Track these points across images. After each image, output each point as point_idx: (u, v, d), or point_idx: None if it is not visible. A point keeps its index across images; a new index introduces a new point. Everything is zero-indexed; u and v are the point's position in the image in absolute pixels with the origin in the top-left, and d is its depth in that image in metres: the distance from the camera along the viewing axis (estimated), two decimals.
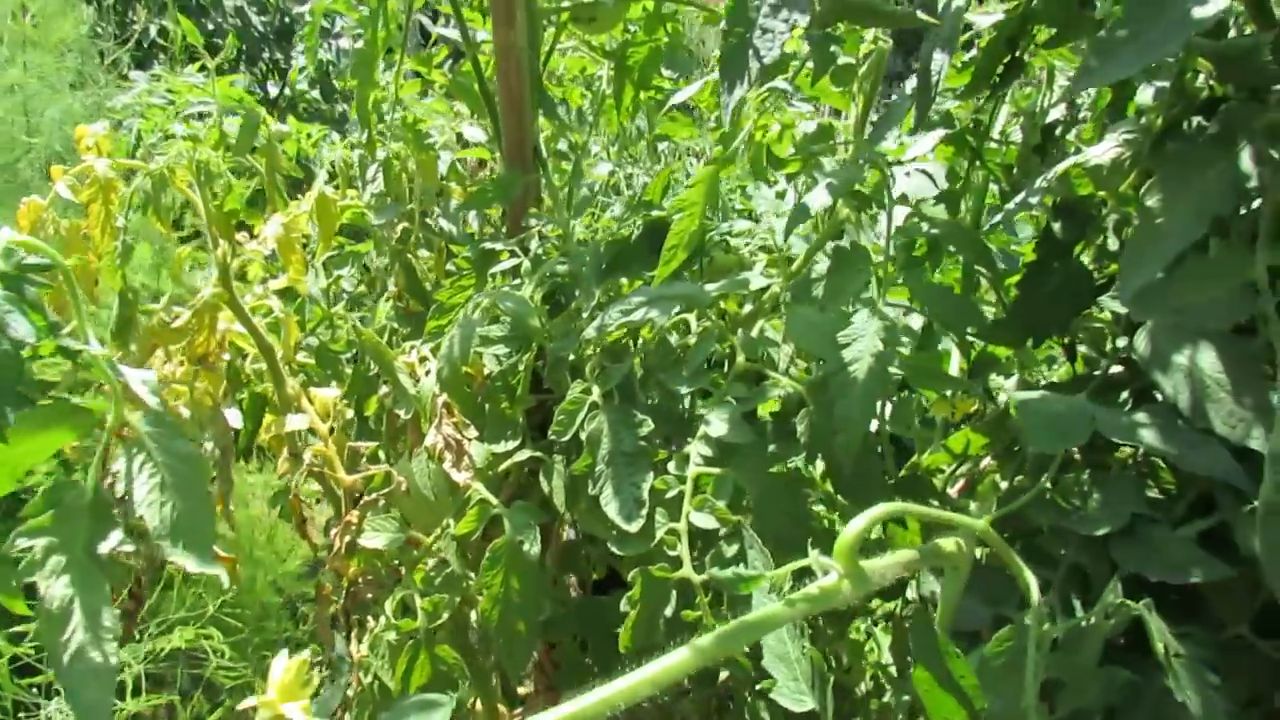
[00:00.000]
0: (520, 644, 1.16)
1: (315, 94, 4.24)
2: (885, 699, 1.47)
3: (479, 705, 1.73)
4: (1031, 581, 0.72)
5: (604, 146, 2.43)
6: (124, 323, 1.02)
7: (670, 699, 1.43)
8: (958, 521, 0.71)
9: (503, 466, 1.23)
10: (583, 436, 1.03)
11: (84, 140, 1.03)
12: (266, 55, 4.04)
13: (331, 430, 1.29)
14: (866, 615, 1.53)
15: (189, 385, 1.05)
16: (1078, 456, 0.91)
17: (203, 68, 1.58)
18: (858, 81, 1.00)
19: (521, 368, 1.23)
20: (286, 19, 4.06)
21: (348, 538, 1.23)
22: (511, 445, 1.24)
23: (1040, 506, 0.88)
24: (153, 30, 3.48)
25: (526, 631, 1.15)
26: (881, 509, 0.67)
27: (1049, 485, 0.91)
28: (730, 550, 0.93)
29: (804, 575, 0.68)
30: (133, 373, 0.58)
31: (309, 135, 2.09)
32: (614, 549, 0.99)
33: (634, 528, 0.94)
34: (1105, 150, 0.88)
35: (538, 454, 1.21)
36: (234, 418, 1.41)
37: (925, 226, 0.87)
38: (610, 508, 0.97)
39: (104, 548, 0.55)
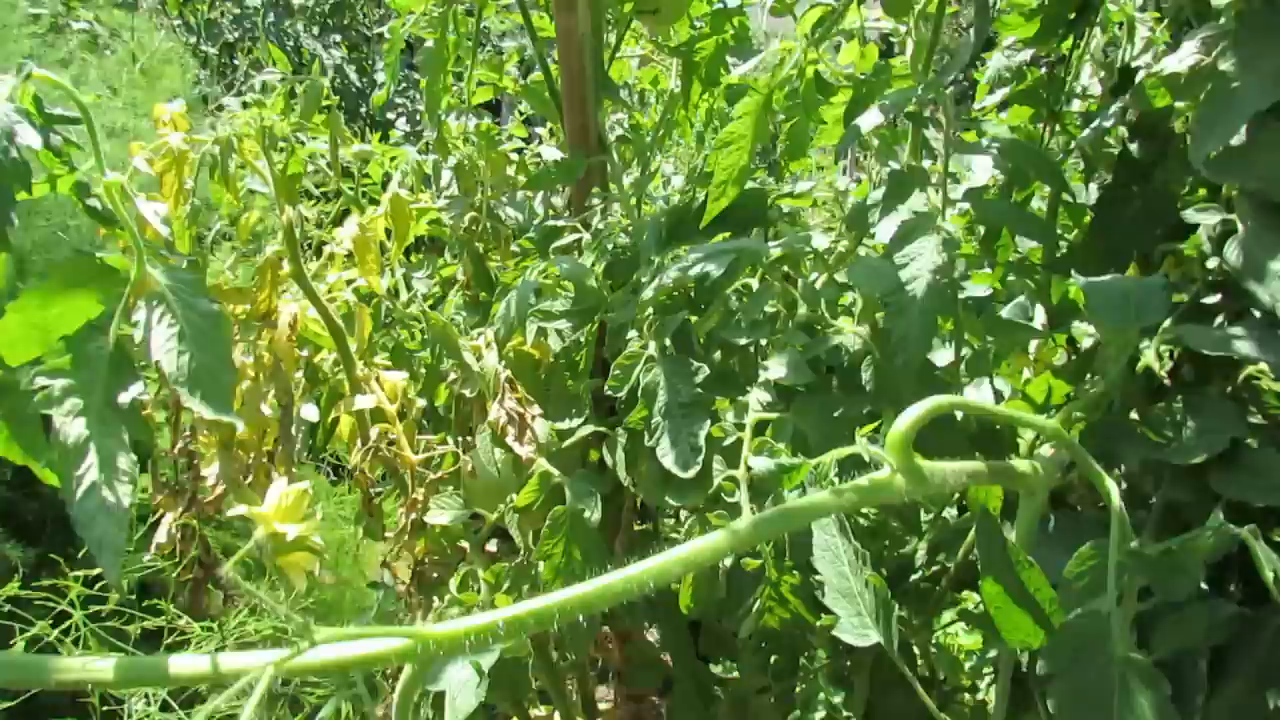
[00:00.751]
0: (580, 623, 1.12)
1: (408, 147, 4.39)
2: (979, 695, 1.37)
3: (556, 717, 1.69)
4: (1112, 489, 0.66)
5: (687, 179, 2.42)
6: None
7: (748, 694, 1.37)
8: (1026, 421, 0.65)
9: (567, 443, 1.22)
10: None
11: (161, 117, 1.07)
12: (364, 110, 4.22)
13: (402, 415, 1.29)
14: (954, 607, 1.44)
15: (252, 342, 1.07)
16: (1168, 382, 0.84)
17: (291, 92, 1.64)
18: (914, 17, 0.97)
19: (584, 340, 1.21)
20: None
21: (413, 516, 1.22)
22: (576, 422, 1.22)
23: (1130, 440, 0.81)
24: (258, 85, 3.68)
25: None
26: (934, 401, 0.62)
27: (1137, 418, 0.84)
28: (792, 496, 0.89)
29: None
30: (146, 204, 0.59)
31: (392, 159, 2.16)
32: (672, 501, 0.95)
33: (690, 474, 0.91)
34: (1183, 57, 0.82)
35: (602, 429, 1.19)
36: (310, 411, 1.44)
37: (987, 142, 0.83)
38: (667, 458, 0.94)
39: (124, 398, 0.55)
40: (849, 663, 1.26)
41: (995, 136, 0.84)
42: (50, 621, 1.74)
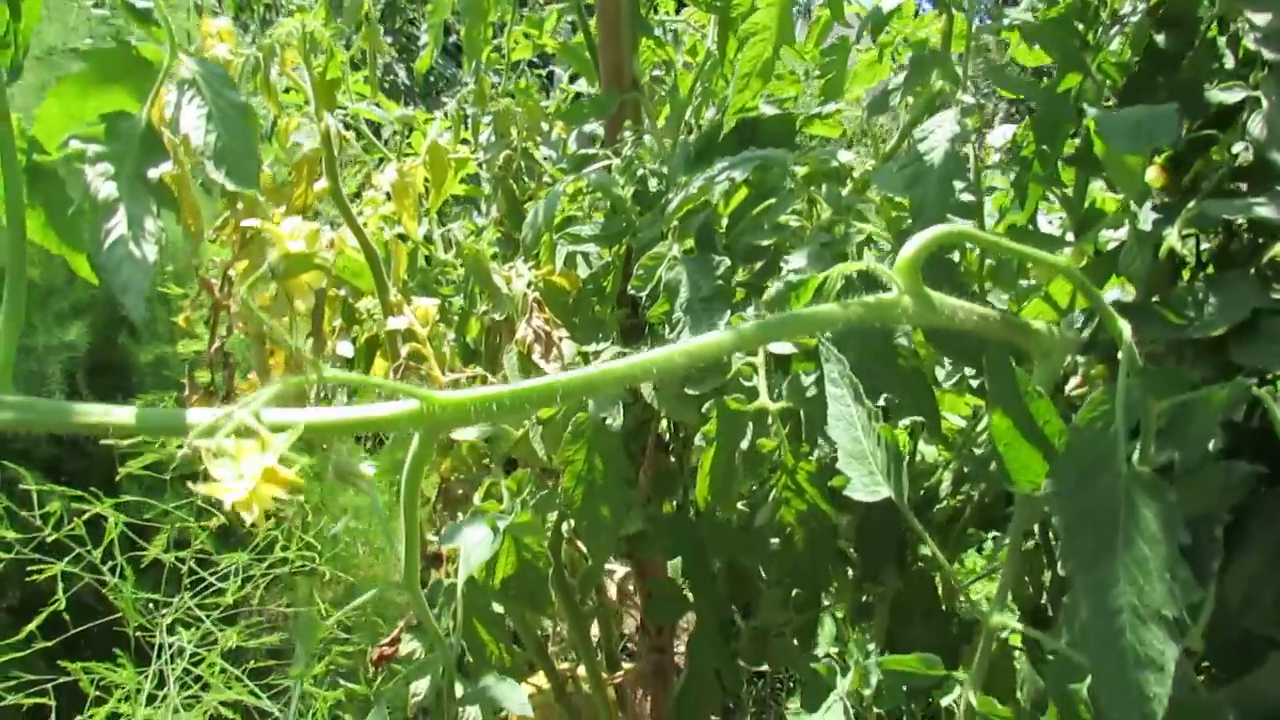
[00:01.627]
0: (604, 530, 1.13)
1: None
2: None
3: (580, 670, 1.69)
4: (1125, 328, 0.65)
5: (716, 109, 2.44)
6: None
7: (768, 630, 1.36)
8: (1038, 257, 0.65)
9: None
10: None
11: (209, 31, 1.11)
12: (411, 108, 4.32)
13: (432, 340, 1.32)
14: (980, 549, 1.42)
15: None
16: (1189, 267, 0.83)
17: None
18: None
19: (612, 264, 1.23)
20: (431, 77, 4.36)
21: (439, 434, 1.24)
22: (603, 346, 1.24)
23: (1151, 320, 0.80)
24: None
25: (611, 518, 1.12)
26: (943, 228, 0.63)
27: (1158, 300, 0.84)
28: (809, 379, 0.89)
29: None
30: None
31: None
32: (689, 391, 0.96)
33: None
34: None
35: (626, 350, 1.21)
36: (346, 348, 1.47)
37: (1009, 22, 0.84)
38: None
39: (153, 172, 0.57)
40: (870, 598, 1.25)
41: (1017, 17, 0.85)
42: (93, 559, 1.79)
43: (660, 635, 1.69)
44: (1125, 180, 0.68)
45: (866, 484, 0.74)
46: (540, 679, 1.72)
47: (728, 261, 0.95)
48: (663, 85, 1.63)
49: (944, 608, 1.24)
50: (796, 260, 0.93)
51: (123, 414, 0.50)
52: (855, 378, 0.80)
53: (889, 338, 0.90)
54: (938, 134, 0.78)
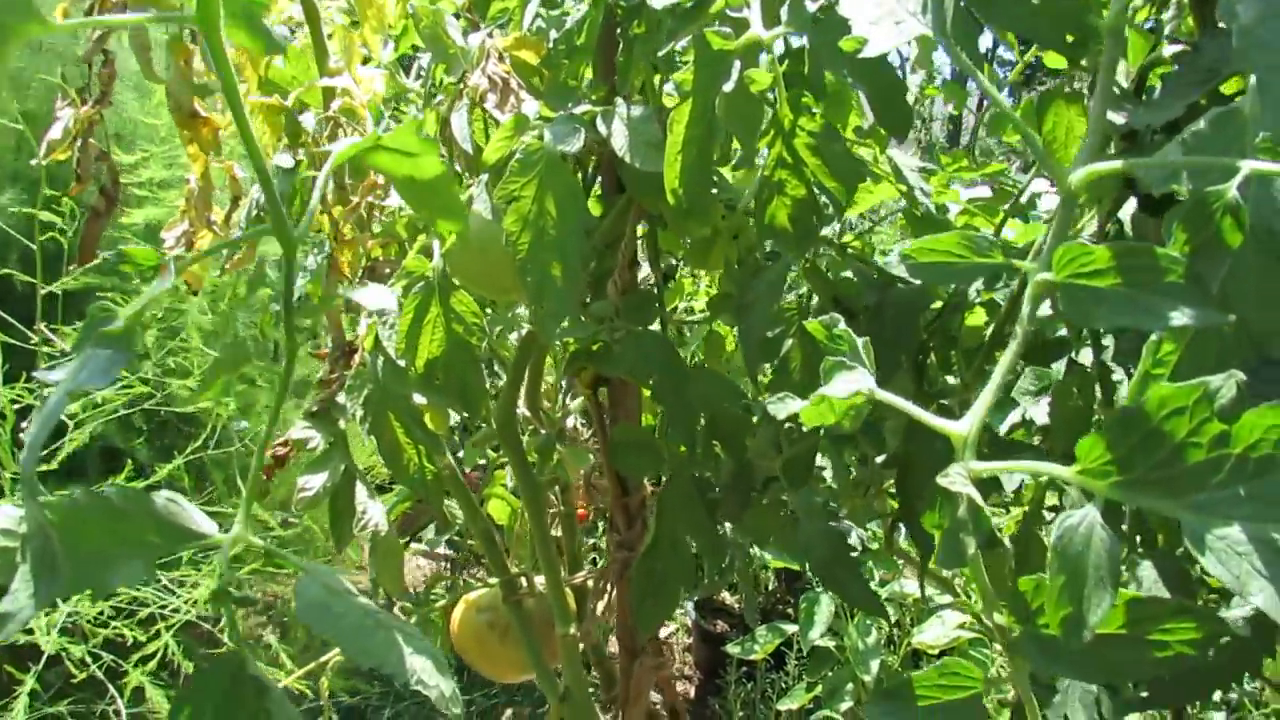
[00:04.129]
0: (553, 291, 0.90)
1: None
2: None
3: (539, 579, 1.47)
4: None
5: None
6: None
7: (750, 484, 1.14)
8: None
9: None
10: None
11: None
12: None
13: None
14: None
15: None
16: None
17: None
18: None
19: (589, 11, 1.03)
20: None
21: (370, 199, 1.03)
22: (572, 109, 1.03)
23: None
24: None
25: (563, 279, 0.90)
26: None
27: None
28: (814, 5, 0.68)
29: None
30: None
31: None
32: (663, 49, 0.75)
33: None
34: None
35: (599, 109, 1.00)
36: (285, 159, 1.27)
37: None
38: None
39: None
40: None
41: None
42: None
43: (630, 530, 1.46)
44: None
45: (889, 33, 0.53)
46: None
47: None
48: None
49: None
50: None
51: None
52: None
53: None
54: None
